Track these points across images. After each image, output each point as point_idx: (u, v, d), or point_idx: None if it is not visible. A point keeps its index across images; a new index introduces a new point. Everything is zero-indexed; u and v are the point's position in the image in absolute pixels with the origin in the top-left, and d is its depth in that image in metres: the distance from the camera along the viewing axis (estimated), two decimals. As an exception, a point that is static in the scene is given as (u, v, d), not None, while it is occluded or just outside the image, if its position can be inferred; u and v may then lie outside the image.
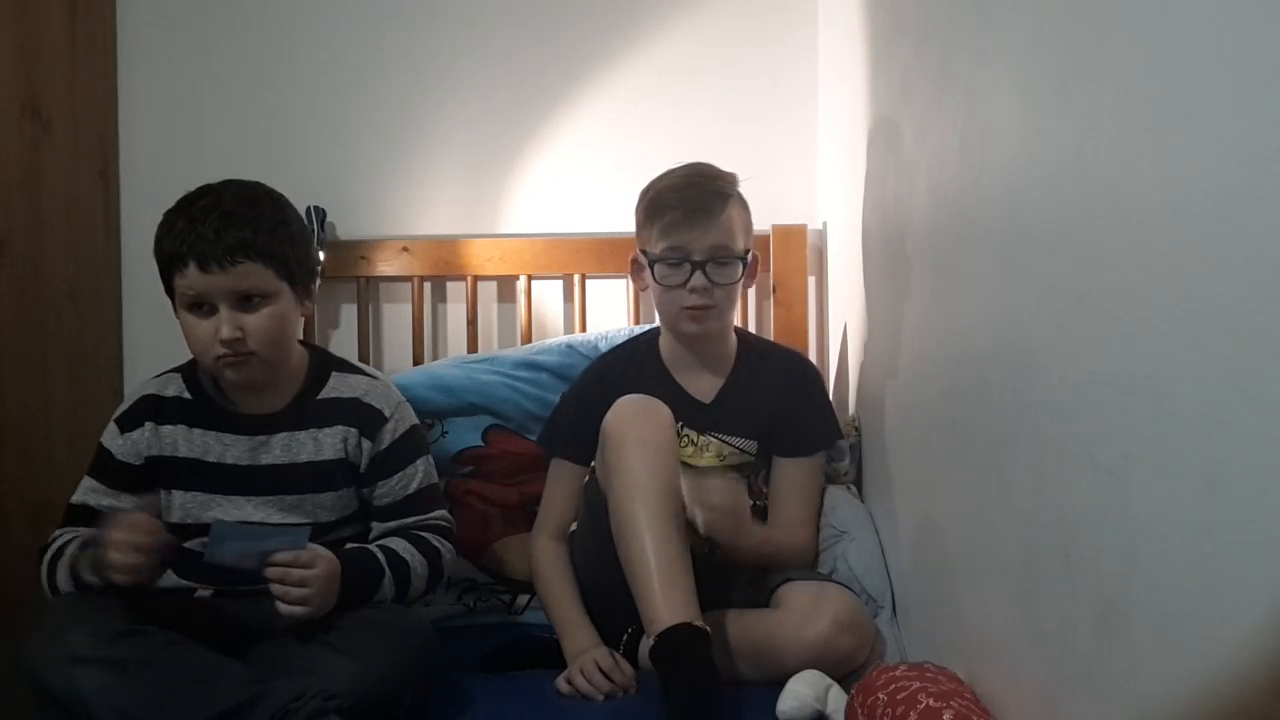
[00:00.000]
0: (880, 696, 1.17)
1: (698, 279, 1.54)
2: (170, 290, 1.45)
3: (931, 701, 1.11)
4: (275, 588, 1.31)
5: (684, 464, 1.55)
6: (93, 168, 2.11)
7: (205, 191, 1.45)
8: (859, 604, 1.47)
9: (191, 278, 1.40)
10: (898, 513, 1.55)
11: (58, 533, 1.44)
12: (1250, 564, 0.66)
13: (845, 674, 1.39)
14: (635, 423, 1.44)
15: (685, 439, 1.61)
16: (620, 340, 1.84)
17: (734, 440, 1.62)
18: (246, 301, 1.41)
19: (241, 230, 1.40)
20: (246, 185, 1.47)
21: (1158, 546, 0.77)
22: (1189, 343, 0.72)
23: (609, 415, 1.46)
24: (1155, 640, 0.78)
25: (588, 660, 1.42)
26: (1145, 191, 0.78)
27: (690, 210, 1.55)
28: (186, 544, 1.47)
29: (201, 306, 1.42)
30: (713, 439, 1.61)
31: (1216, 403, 0.69)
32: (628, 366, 1.67)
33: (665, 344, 1.67)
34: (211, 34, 2.18)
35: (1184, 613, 0.74)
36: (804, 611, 1.41)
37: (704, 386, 1.64)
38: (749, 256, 1.61)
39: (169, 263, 1.42)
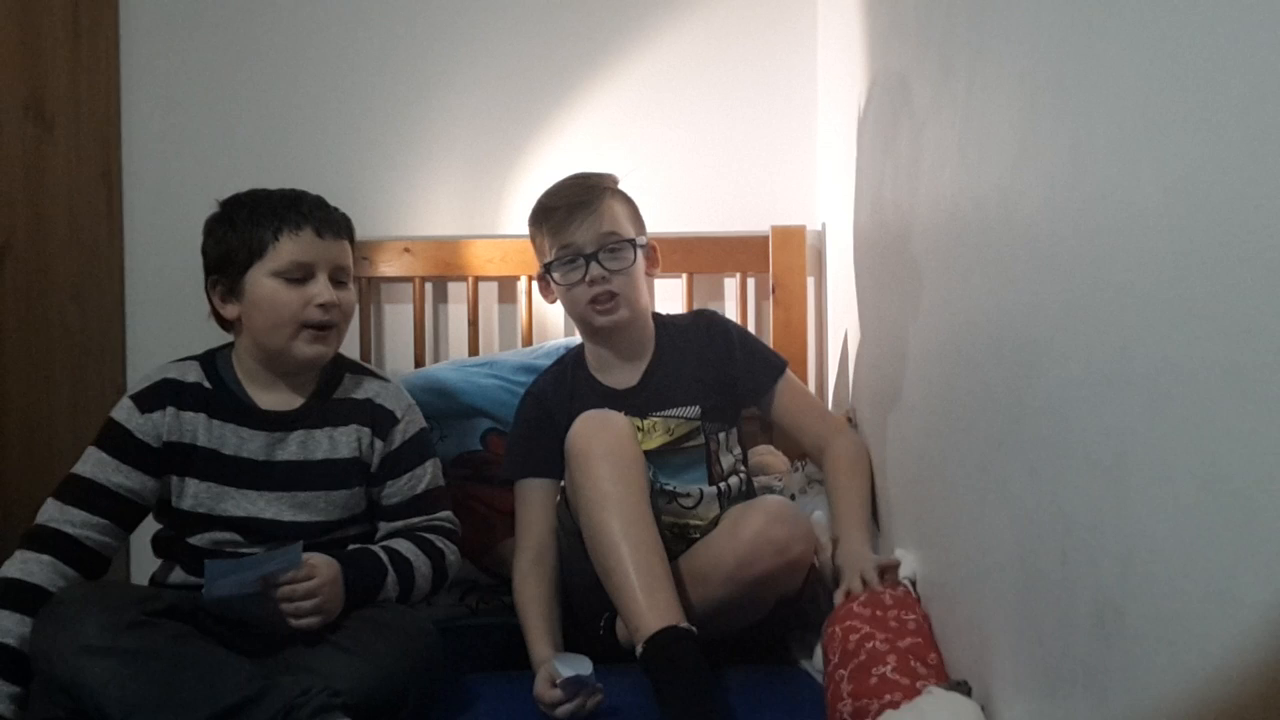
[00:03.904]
0: (836, 630, 1.30)
1: (594, 269, 1.58)
2: (241, 265, 1.48)
3: (878, 644, 1.24)
4: (285, 606, 1.33)
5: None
6: (96, 168, 2.11)
7: (269, 189, 1.53)
8: (791, 504, 1.54)
9: (306, 242, 1.47)
10: (895, 511, 1.56)
11: (39, 537, 1.41)
12: (1247, 562, 0.66)
13: (785, 565, 1.45)
14: (597, 436, 1.46)
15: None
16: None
17: (673, 412, 1.64)
18: (337, 279, 1.50)
19: (342, 215, 1.55)
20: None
21: (1155, 545, 0.77)
22: (1185, 342, 0.72)
23: (571, 433, 1.49)
24: (1153, 638, 0.78)
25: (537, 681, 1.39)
26: (1142, 192, 0.78)
27: (570, 206, 1.61)
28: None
29: (298, 277, 1.47)
30: (656, 419, 1.63)
31: (1212, 402, 0.69)
32: (559, 383, 1.69)
33: (588, 350, 1.70)
34: (213, 35, 2.18)
35: (1181, 611, 0.74)
36: (737, 515, 1.49)
37: (628, 377, 1.67)
38: (643, 245, 1.64)
39: (275, 230, 1.47)
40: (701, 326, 1.71)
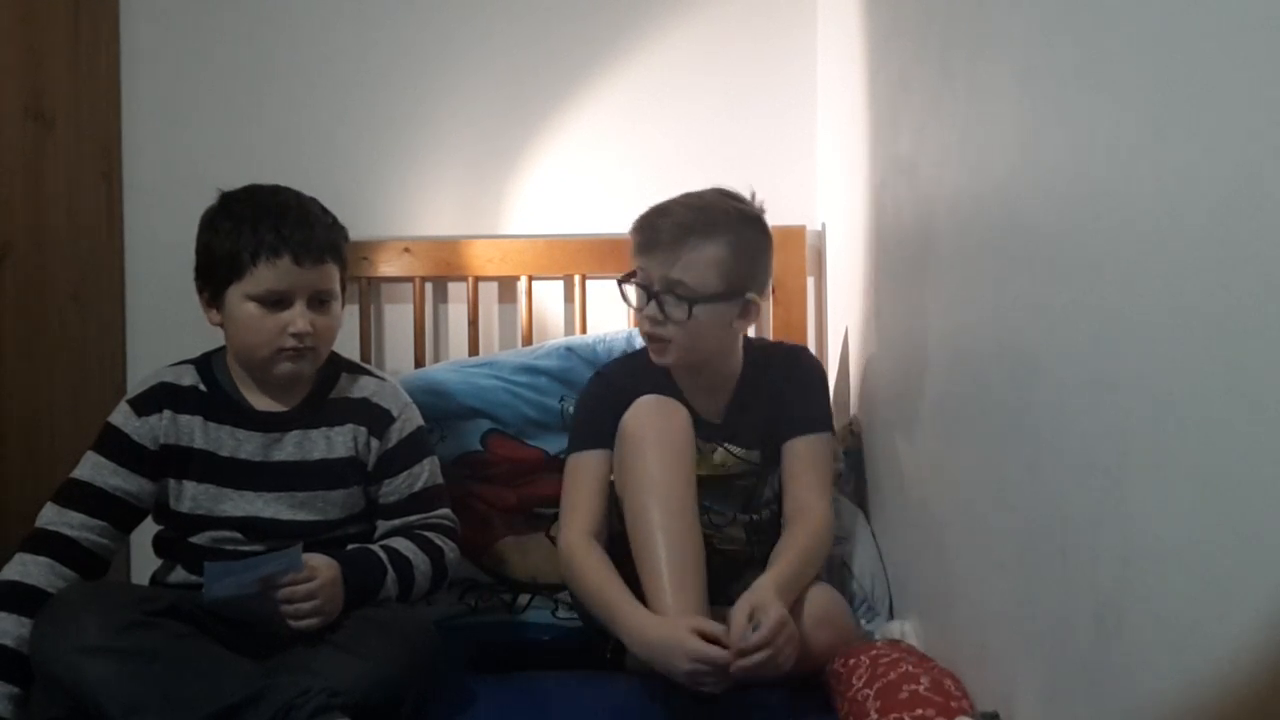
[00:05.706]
0: (863, 660, 1.29)
1: (651, 307, 1.50)
2: (222, 280, 1.45)
3: (910, 668, 1.23)
4: (285, 608, 1.33)
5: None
6: (96, 168, 2.11)
7: (263, 190, 1.50)
8: (838, 599, 1.46)
9: (283, 270, 1.43)
10: (896, 513, 1.56)
11: (37, 538, 1.41)
12: (1245, 563, 0.66)
13: (827, 653, 1.38)
14: (654, 422, 1.44)
15: None
16: (619, 345, 1.85)
17: (738, 451, 1.58)
18: (319, 300, 1.47)
19: (329, 232, 1.49)
20: (296, 191, 1.53)
21: (1154, 546, 0.78)
22: (1185, 344, 0.73)
23: (628, 414, 1.46)
24: (1151, 638, 0.78)
25: (683, 648, 1.26)
26: (1142, 193, 0.78)
27: (648, 239, 1.51)
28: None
29: (276, 301, 1.44)
30: (719, 448, 1.58)
31: (1212, 404, 0.69)
32: (641, 375, 1.59)
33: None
34: (214, 35, 2.18)
35: (1180, 611, 0.74)
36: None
37: (712, 406, 1.59)
38: (735, 297, 1.50)
39: (253, 254, 1.43)
40: (792, 365, 1.63)
